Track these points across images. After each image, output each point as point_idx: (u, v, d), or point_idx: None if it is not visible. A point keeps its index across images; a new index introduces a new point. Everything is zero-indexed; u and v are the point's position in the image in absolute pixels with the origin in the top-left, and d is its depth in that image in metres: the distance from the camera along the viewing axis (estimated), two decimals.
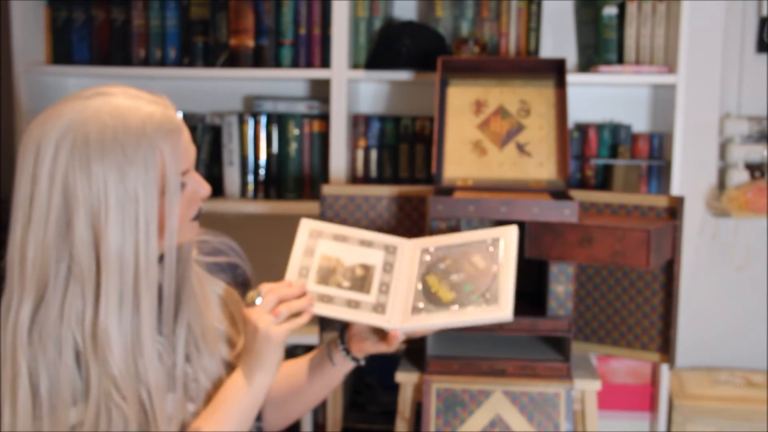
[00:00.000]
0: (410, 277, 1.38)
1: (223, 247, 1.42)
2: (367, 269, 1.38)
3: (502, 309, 1.31)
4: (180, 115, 2.44)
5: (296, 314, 1.27)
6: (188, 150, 1.19)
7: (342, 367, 1.41)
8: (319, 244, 1.38)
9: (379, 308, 1.34)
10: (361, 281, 1.36)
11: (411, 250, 1.42)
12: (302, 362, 1.45)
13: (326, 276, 1.35)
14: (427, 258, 1.40)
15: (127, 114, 1.11)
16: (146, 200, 1.11)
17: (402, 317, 1.34)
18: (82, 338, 1.12)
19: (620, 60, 2.38)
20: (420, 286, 1.37)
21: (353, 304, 1.34)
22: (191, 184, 1.20)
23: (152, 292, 1.14)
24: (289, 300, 1.26)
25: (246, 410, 1.25)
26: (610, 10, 2.36)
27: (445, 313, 1.33)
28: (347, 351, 1.39)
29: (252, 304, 1.25)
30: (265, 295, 1.25)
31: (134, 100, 1.14)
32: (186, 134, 1.18)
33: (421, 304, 1.34)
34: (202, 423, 1.24)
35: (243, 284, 1.41)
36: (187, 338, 1.26)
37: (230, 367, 1.31)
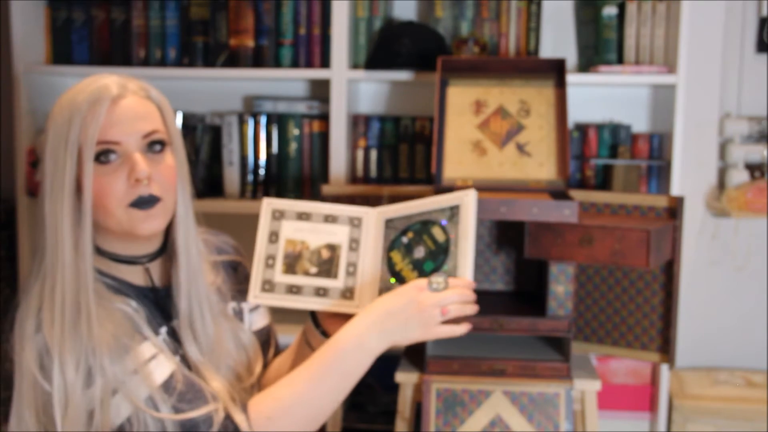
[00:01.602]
0: (375, 254, 1.36)
1: (224, 246, 1.43)
2: (334, 250, 1.36)
3: None
4: (180, 115, 2.45)
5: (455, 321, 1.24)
6: (117, 123, 1.19)
7: None
8: (282, 227, 1.36)
9: (348, 293, 1.33)
10: (328, 265, 1.35)
11: (375, 221, 1.38)
12: (287, 352, 1.45)
13: (293, 264, 1.34)
14: (392, 232, 1.36)
15: (78, 85, 1.22)
16: (65, 158, 1.18)
17: (370, 301, 1.32)
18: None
19: (620, 60, 2.37)
20: (385, 265, 1.35)
21: (321, 292, 1.33)
22: (124, 160, 1.20)
23: (64, 245, 1.18)
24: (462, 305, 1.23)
25: (350, 373, 1.22)
26: (610, 10, 2.36)
27: None
28: (324, 333, 1.37)
29: (432, 287, 1.22)
30: (450, 289, 1.22)
31: (99, 76, 1.22)
32: (122, 107, 1.20)
33: (387, 285, 1.33)
34: (302, 373, 1.22)
35: (245, 281, 1.42)
36: (191, 344, 1.27)
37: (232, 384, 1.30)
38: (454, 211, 1.33)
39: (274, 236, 1.35)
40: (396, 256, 1.34)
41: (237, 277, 1.42)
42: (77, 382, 1.13)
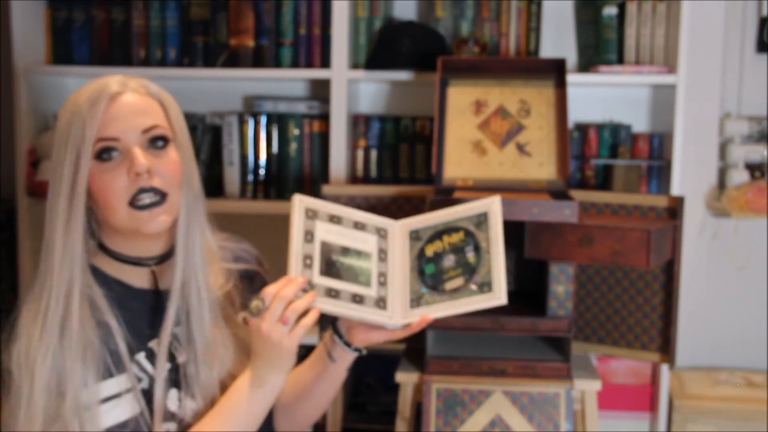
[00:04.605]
0: (404, 266, 1.36)
1: (243, 254, 1.41)
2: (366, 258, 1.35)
3: (497, 296, 1.29)
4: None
5: (303, 314, 1.23)
6: (116, 119, 1.20)
7: (343, 361, 1.38)
8: (316, 227, 1.32)
9: (381, 303, 1.32)
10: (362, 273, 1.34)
11: (400, 233, 1.39)
12: (304, 365, 1.44)
13: (330, 266, 1.33)
14: (418, 243, 1.37)
15: (82, 87, 1.23)
16: (64, 158, 1.19)
17: (402, 312, 1.32)
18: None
19: (620, 60, 2.37)
20: (415, 275, 1.35)
21: (358, 299, 1.31)
22: (125, 157, 1.20)
23: (54, 247, 1.19)
24: (293, 301, 1.21)
25: (254, 413, 1.24)
26: (610, 10, 2.36)
27: (442, 304, 1.31)
28: (347, 343, 1.36)
29: (258, 313, 1.20)
30: (271, 302, 1.20)
31: (103, 77, 1.23)
32: (121, 104, 1.20)
33: (418, 296, 1.33)
34: (207, 422, 1.23)
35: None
36: (186, 345, 1.26)
37: (225, 387, 1.30)
38: (481, 219, 1.35)
39: (309, 235, 1.31)
40: (426, 267, 1.35)
41: (253, 287, 1.40)
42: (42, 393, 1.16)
